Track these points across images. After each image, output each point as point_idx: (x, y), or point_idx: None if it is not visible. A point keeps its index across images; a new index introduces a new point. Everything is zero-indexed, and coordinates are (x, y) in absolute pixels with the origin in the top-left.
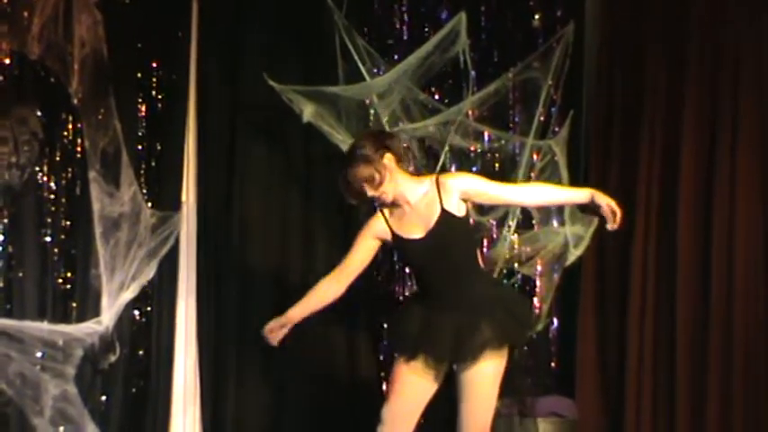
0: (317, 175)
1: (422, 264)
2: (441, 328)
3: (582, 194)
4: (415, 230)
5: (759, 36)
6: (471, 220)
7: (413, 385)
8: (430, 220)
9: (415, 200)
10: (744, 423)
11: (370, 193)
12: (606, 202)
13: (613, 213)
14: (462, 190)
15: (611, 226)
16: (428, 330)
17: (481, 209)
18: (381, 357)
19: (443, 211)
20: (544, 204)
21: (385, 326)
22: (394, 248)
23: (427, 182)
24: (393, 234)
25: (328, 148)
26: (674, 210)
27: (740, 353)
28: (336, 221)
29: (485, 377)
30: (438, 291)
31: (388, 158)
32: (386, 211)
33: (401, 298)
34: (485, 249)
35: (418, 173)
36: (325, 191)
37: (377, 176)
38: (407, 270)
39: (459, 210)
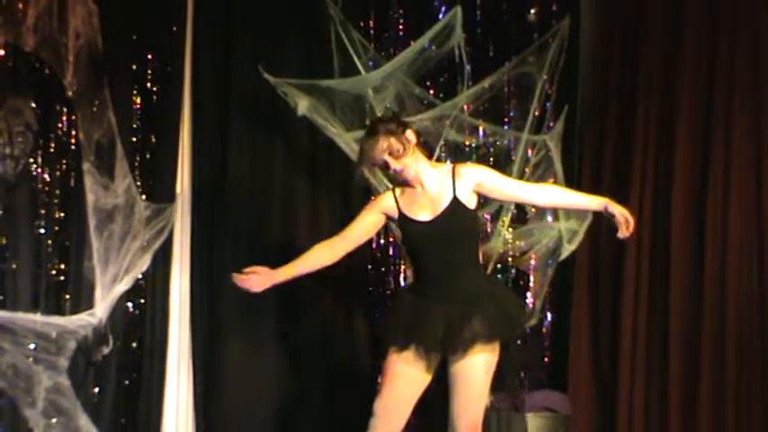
0: (315, 166)
1: (423, 248)
2: (432, 319)
3: (596, 202)
4: (423, 213)
5: (754, 31)
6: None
7: (405, 377)
8: (439, 205)
9: (428, 183)
10: (736, 418)
11: (393, 164)
12: (620, 212)
13: (627, 222)
14: (477, 181)
15: (622, 234)
16: (419, 320)
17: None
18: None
19: (455, 198)
20: (557, 206)
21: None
22: (399, 229)
23: (444, 168)
24: (400, 213)
25: (324, 140)
26: (667, 205)
27: (732, 348)
28: (336, 211)
29: (476, 371)
30: (433, 279)
31: (410, 133)
32: (397, 189)
33: (396, 289)
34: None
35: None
36: (323, 181)
37: (400, 148)
38: (405, 257)
39: (469, 202)
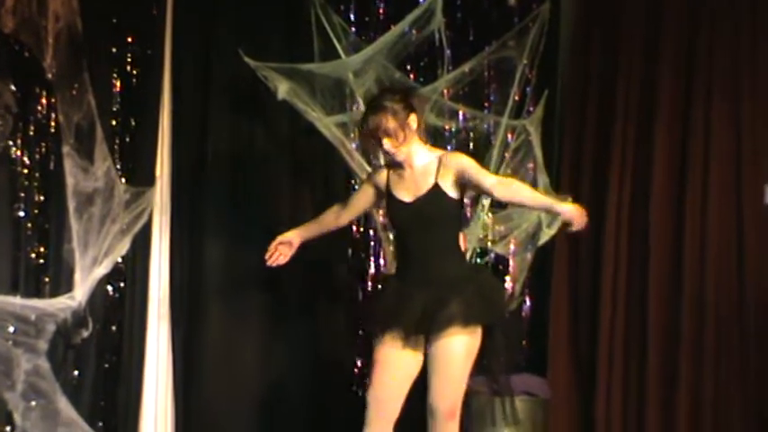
0: (295, 150)
1: (403, 228)
2: (412, 303)
3: (560, 208)
4: (406, 194)
5: (734, 18)
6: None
7: (393, 363)
8: (421, 188)
9: (417, 165)
10: (714, 403)
11: (387, 146)
12: (578, 220)
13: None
14: (458, 169)
15: (573, 229)
16: (400, 305)
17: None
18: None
19: (435, 184)
20: (520, 204)
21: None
22: (386, 206)
23: (435, 154)
24: (387, 189)
25: (305, 124)
26: (647, 190)
27: (711, 332)
28: (317, 194)
29: (453, 353)
30: (414, 263)
31: (413, 120)
32: (392, 167)
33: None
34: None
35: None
36: (303, 165)
37: (400, 134)
38: (391, 240)
39: (452, 191)
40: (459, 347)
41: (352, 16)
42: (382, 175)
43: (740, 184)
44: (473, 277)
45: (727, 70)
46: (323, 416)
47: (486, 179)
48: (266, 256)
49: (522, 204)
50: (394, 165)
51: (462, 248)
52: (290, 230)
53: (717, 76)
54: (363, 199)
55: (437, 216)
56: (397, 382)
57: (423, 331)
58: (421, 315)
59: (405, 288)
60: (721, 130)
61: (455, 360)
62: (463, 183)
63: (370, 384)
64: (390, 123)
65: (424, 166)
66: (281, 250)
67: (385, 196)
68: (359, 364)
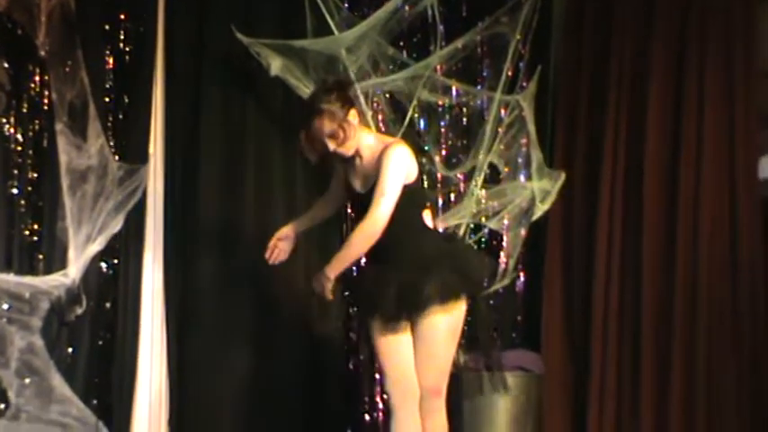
0: (288, 126)
1: (362, 214)
2: (386, 287)
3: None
4: (359, 184)
5: None
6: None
7: (395, 347)
8: (369, 178)
9: (366, 156)
10: (707, 377)
11: (332, 147)
12: None
13: None
14: (378, 169)
15: None
16: (375, 289)
17: (449, 163)
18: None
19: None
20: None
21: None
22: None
23: (381, 143)
24: (346, 178)
25: (298, 100)
26: (640, 164)
27: (704, 305)
28: (309, 171)
29: (434, 334)
30: (383, 248)
31: (353, 115)
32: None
33: None
34: (451, 204)
35: (387, 128)
36: (297, 141)
37: (341, 133)
38: None
39: None
40: (439, 326)
41: None
42: (344, 162)
43: (734, 156)
44: (446, 253)
45: (719, 43)
46: (317, 392)
47: (375, 199)
48: (266, 255)
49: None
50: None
51: (430, 226)
52: (286, 224)
53: (709, 50)
54: (339, 186)
55: None
56: (406, 360)
57: (402, 315)
58: (396, 300)
59: (382, 275)
60: (714, 103)
61: (437, 339)
62: None
63: (383, 375)
64: (330, 126)
65: (371, 156)
66: (281, 246)
67: (344, 183)
68: (350, 355)
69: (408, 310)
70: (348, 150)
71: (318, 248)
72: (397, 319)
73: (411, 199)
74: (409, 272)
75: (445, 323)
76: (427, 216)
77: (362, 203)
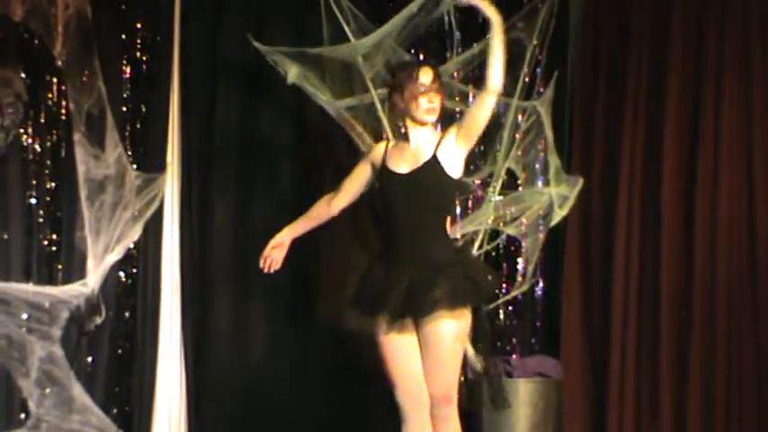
0: (304, 135)
1: (393, 202)
2: (397, 285)
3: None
4: (403, 166)
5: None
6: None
7: (403, 350)
8: (419, 160)
9: (422, 139)
10: (727, 379)
11: (435, 103)
12: None
13: None
14: (459, 126)
15: None
16: (387, 288)
17: (466, 170)
18: None
19: (434, 156)
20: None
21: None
22: (378, 181)
23: (437, 133)
24: (383, 164)
25: (314, 108)
26: (658, 169)
27: (723, 308)
28: (325, 180)
29: (442, 339)
30: (401, 243)
31: None
32: (391, 142)
33: None
34: (469, 210)
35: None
36: (312, 150)
37: (439, 101)
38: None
39: (451, 167)
40: (447, 331)
41: (358, 1)
42: (379, 150)
43: (752, 159)
44: (459, 262)
45: (737, 46)
46: (336, 396)
47: (477, 99)
48: (261, 264)
49: (499, 60)
50: (401, 141)
51: (448, 231)
52: (282, 230)
53: (727, 53)
54: (359, 180)
55: (432, 191)
56: (415, 368)
57: (409, 314)
58: (405, 298)
59: (393, 271)
60: (732, 107)
61: (444, 345)
62: (464, 133)
63: (392, 385)
64: (440, 79)
65: (426, 140)
66: (274, 255)
67: (380, 170)
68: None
69: (415, 309)
70: (437, 112)
71: (333, 251)
72: (402, 317)
73: (453, 195)
74: (420, 271)
75: (452, 329)
76: (449, 223)
77: (404, 185)
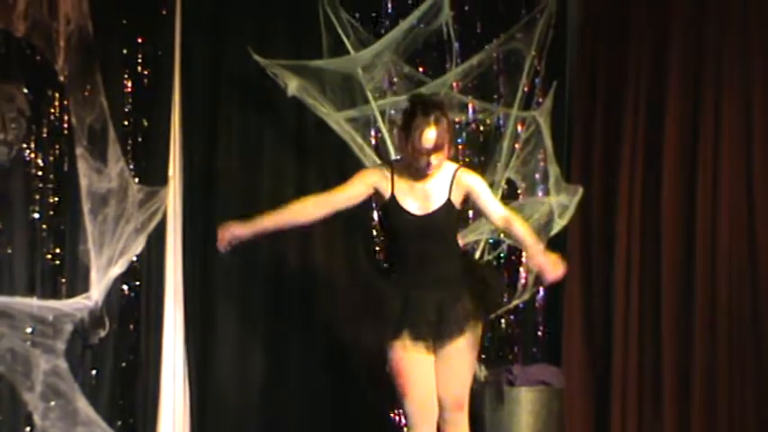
0: (305, 147)
1: (406, 237)
2: (422, 304)
3: (538, 258)
4: (415, 205)
5: (743, 3)
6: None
7: (421, 367)
8: (432, 202)
9: (434, 178)
10: (728, 388)
11: (435, 161)
12: (552, 272)
13: (553, 267)
14: (469, 191)
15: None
16: (410, 307)
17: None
18: None
19: (448, 200)
20: (515, 240)
21: None
22: (382, 209)
23: (448, 167)
24: (392, 195)
25: (315, 120)
26: (657, 178)
27: (724, 317)
28: (324, 190)
29: (462, 349)
30: (414, 266)
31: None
32: (396, 169)
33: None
34: (470, 220)
35: None
36: (313, 162)
37: (448, 149)
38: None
39: (458, 202)
40: (467, 342)
41: (359, 11)
42: (383, 176)
43: (751, 167)
44: (473, 273)
45: (736, 51)
46: (338, 411)
47: (495, 211)
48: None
49: (516, 241)
50: (407, 171)
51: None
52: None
53: (726, 61)
54: (351, 198)
55: (446, 229)
56: (428, 380)
57: (441, 333)
58: (437, 318)
59: (412, 292)
60: (731, 108)
61: (461, 355)
62: (470, 201)
63: (405, 397)
64: (445, 139)
65: (439, 179)
66: (221, 234)
67: (386, 201)
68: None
69: (449, 327)
70: (437, 168)
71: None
72: (428, 337)
73: (460, 218)
74: (441, 290)
75: (471, 339)
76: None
77: (419, 226)
